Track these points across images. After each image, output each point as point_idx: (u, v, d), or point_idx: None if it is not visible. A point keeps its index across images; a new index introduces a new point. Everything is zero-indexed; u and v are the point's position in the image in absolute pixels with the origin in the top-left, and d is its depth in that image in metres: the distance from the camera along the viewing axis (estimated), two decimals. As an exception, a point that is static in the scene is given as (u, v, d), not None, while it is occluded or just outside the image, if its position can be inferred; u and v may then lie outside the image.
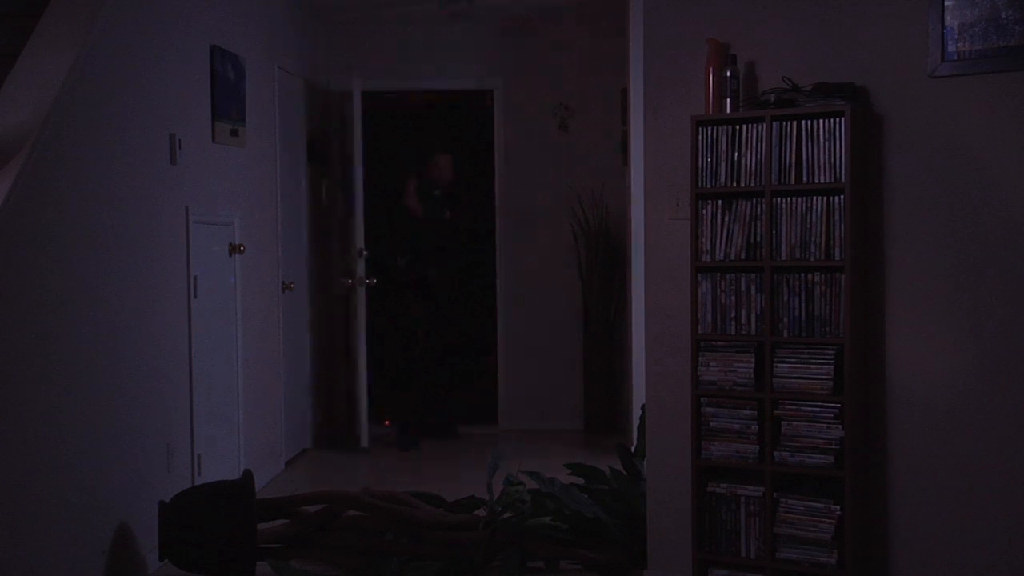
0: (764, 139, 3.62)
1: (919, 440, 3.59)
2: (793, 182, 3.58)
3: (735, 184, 3.67)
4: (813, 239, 3.56)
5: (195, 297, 4.88)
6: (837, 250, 3.52)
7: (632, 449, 4.69)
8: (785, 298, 3.61)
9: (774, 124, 3.60)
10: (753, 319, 3.66)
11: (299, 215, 6.76)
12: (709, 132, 3.71)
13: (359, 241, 6.90)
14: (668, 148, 3.97)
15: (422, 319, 7.15)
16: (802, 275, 3.58)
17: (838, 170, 3.51)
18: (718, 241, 3.71)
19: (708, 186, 3.72)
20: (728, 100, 3.72)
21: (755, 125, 3.64)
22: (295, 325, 6.62)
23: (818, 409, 3.55)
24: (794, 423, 3.59)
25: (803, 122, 3.56)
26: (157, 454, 4.47)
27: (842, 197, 3.50)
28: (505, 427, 7.53)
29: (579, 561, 4.23)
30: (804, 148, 3.56)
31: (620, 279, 7.10)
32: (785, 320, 3.61)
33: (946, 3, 3.46)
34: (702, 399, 3.74)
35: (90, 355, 3.90)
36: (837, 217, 3.51)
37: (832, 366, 3.53)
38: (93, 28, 3.89)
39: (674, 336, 3.95)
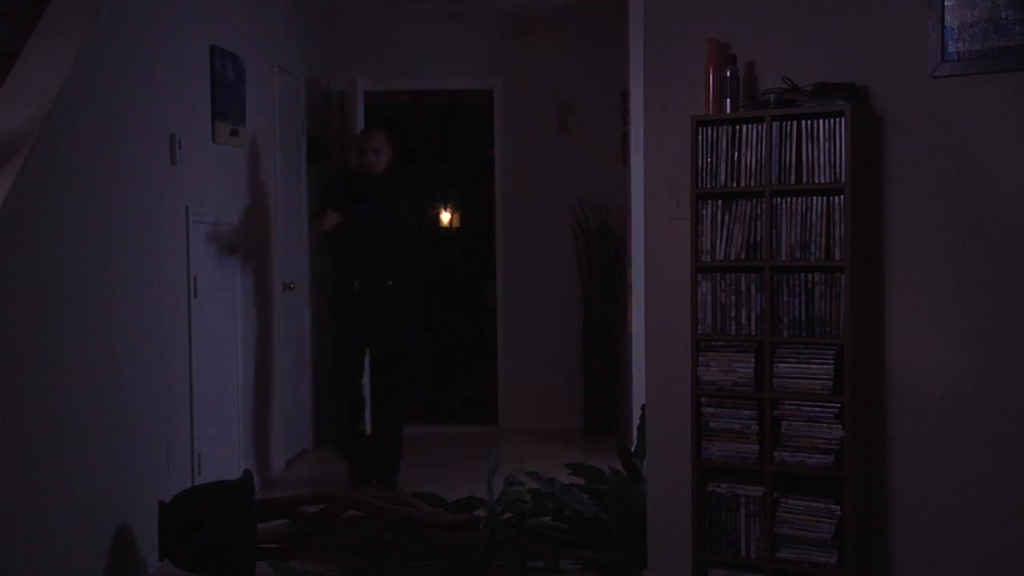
0: (764, 139, 3.61)
1: (919, 440, 3.59)
2: (793, 182, 3.58)
3: (735, 184, 3.67)
4: (813, 239, 3.55)
5: (195, 297, 4.88)
6: (837, 250, 3.52)
7: (632, 449, 4.69)
8: (785, 298, 3.61)
9: (774, 124, 3.60)
10: (753, 319, 3.66)
11: (299, 215, 6.76)
12: (709, 132, 3.71)
13: None
14: (668, 148, 3.97)
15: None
16: (802, 275, 3.57)
17: (838, 170, 3.51)
18: (718, 241, 3.71)
19: (708, 186, 3.72)
20: (728, 100, 3.72)
21: (755, 125, 3.64)
22: (295, 325, 6.62)
23: (818, 409, 3.55)
24: (794, 423, 3.59)
25: (803, 122, 3.56)
26: (157, 454, 4.47)
27: (842, 197, 3.50)
28: (505, 427, 7.53)
29: (579, 561, 4.23)
30: (804, 148, 3.56)
31: (620, 279, 7.09)
32: (785, 320, 3.61)
33: (946, 3, 3.45)
34: (702, 399, 3.74)
35: (90, 355, 3.89)
36: (837, 217, 3.51)
37: (832, 366, 3.53)
38: (93, 28, 3.89)
39: (674, 336, 3.95)
